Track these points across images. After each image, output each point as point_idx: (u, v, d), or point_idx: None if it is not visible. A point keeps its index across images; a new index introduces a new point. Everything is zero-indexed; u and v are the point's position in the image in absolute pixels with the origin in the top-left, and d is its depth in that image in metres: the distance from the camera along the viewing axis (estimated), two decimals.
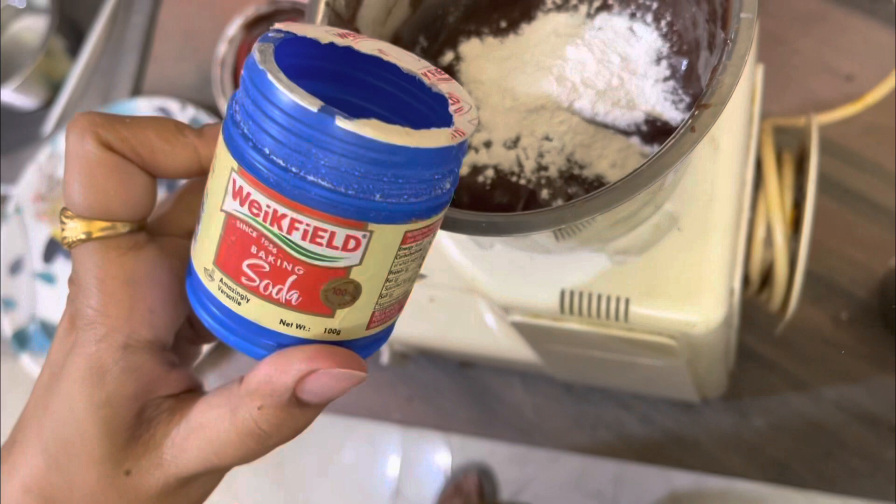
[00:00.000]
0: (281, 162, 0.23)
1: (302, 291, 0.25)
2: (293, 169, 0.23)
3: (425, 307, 0.68)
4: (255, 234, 0.24)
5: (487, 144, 0.40)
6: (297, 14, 0.86)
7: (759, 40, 0.76)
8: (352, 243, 0.24)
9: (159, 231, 0.30)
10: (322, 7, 0.35)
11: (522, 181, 0.39)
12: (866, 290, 0.69)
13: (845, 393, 0.68)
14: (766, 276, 0.52)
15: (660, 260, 0.42)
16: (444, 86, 0.27)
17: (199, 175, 0.28)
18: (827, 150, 0.72)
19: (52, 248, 0.91)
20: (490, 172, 0.39)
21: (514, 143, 0.39)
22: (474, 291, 0.46)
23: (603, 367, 0.59)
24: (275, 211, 0.24)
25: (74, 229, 0.26)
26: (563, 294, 0.43)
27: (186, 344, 0.32)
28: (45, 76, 1.00)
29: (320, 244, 0.24)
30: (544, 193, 0.38)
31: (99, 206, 0.26)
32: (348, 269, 0.25)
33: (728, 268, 0.42)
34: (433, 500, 1.62)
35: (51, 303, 0.90)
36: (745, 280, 0.52)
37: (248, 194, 0.24)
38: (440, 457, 1.64)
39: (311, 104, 0.23)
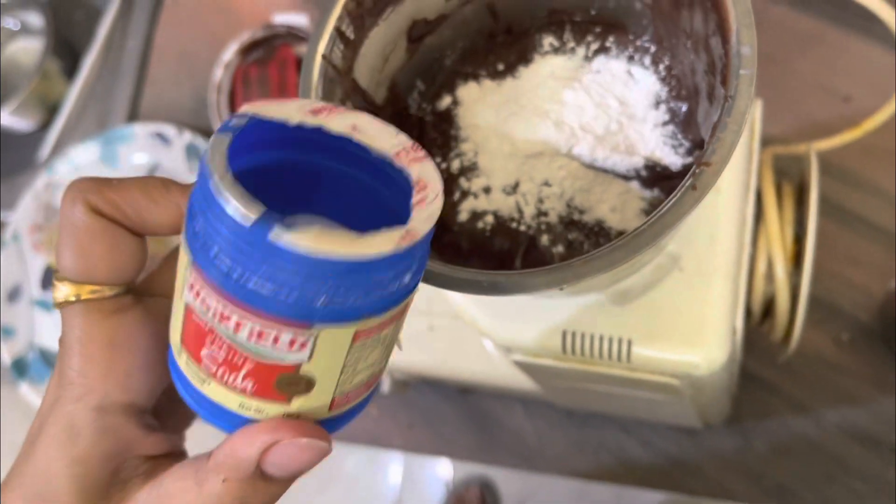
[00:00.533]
0: (224, 266, 0.23)
1: (256, 381, 0.25)
2: (234, 275, 0.23)
3: (425, 336, 0.68)
4: (207, 328, 0.24)
5: (487, 190, 0.39)
6: (293, 38, 0.86)
7: (758, 61, 0.76)
8: (297, 345, 0.24)
9: (149, 291, 0.30)
10: (318, 60, 0.34)
11: (522, 227, 0.39)
12: (867, 311, 0.69)
13: (847, 415, 0.67)
14: (768, 307, 0.52)
15: (661, 301, 0.42)
16: (416, 167, 0.26)
17: None
18: (826, 171, 0.72)
19: (51, 276, 0.90)
20: (489, 218, 0.39)
21: (514, 188, 0.39)
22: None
23: (605, 398, 0.59)
24: (221, 312, 0.23)
25: (64, 292, 0.27)
26: (564, 335, 0.43)
27: (180, 406, 0.32)
28: (41, 98, 1.00)
29: (265, 345, 0.24)
30: (544, 239, 0.38)
31: (86, 272, 0.27)
32: (297, 365, 0.24)
33: (730, 307, 0.42)
34: None
35: (49, 330, 0.90)
36: (747, 312, 0.52)
37: (199, 291, 0.24)
38: (442, 469, 1.63)
39: (250, 212, 0.22)
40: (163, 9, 0.97)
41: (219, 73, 0.86)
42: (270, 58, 0.86)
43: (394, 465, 1.66)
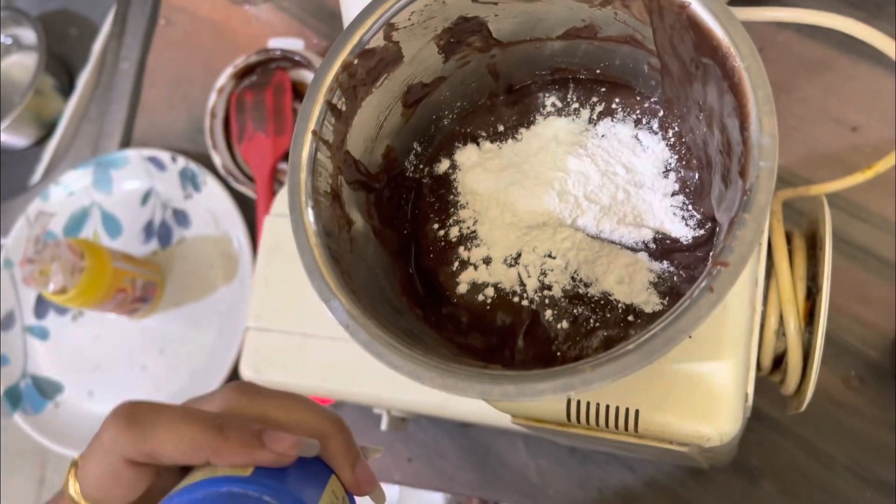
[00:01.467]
0: None
1: None
2: None
3: None
4: None
5: (487, 261, 0.38)
6: (288, 62, 0.84)
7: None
8: None
9: None
10: (308, 137, 0.33)
11: (525, 301, 0.37)
12: (878, 350, 0.67)
13: (858, 457, 0.66)
14: (778, 359, 0.50)
15: (671, 370, 0.40)
16: None
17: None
18: (833, 202, 0.70)
19: (43, 303, 0.89)
20: (490, 291, 0.37)
21: (515, 259, 0.37)
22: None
23: (609, 446, 0.57)
24: None
25: (76, 494, 0.31)
26: (569, 403, 0.41)
27: None
28: (35, 115, 0.98)
29: None
30: (548, 315, 0.37)
31: (101, 500, 0.30)
32: None
33: (743, 377, 0.40)
34: None
35: (42, 358, 0.88)
36: (757, 365, 0.50)
37: None
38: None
39: None
40: (156, 31, 0.95)
41: (213, 98, 0.84)
42: (266, 82, 0.84)
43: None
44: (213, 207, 0.84)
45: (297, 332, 0.70)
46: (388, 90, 0.36)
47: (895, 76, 0.71)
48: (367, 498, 0.37)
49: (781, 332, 0.48)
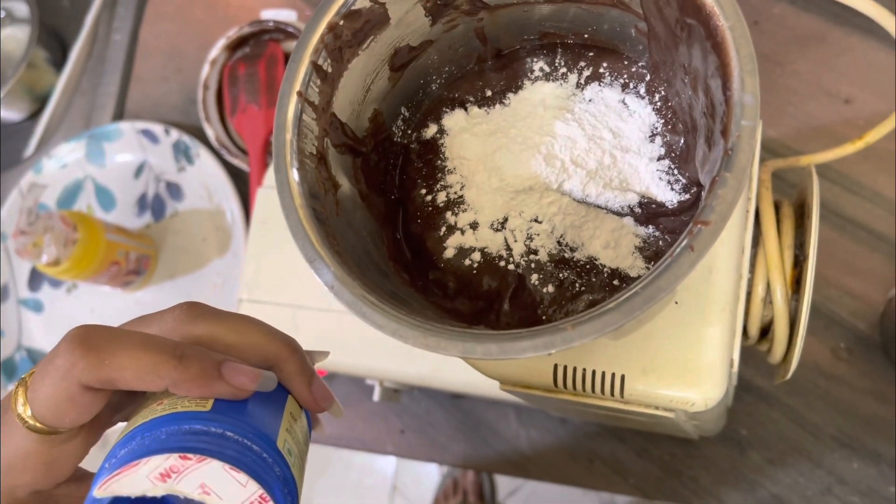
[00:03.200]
0: None
1: None
2: None
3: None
4: None
5: (474, 226, 0.38)
6: (281, 34, 0.83)
7: (757, 62, 0.74)
8: None
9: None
10: (294, 99, 0.33)
11: (511, 266, 0.37)
12: (866, 322, 0.67)
13: (845, 427, 0.66)
14: (766, 328, 0.51)
15: (657, 335, 0.41)
16: None
17: None
18: (824, 175, 0.70)
19: (38, 276, 0.89)
20: (476, 255, 0.38)
21: (502, 224, 0.38)
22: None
23: (598, 416, 0.58)
24: None
25: (26, 417, 0.30)
26: (556, 368, 0.42)
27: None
28: (28, 88, 0.98)
29: None
30: (534, 279, 0.37)
31: (53, 421, 0.30)
32: None
33: (728, 341, 0.41)
34: (431, 497, 1.61)
35: (38, 330, 0.88)
36: (744, 333, 0.51)
37: None
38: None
39: None
40: (148, 2, 0.95)
41: (206, 70, 0.84)
42: (259, 54, 0.84)
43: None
44: (206, 180, 0.84)
45: (289, 303, 0.70)
46: (374, 53, 0.36)
47: (894, 51, 0.71)
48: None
49: (768, 300, 0.48)
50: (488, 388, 0.67)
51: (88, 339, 0.29)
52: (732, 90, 0.28)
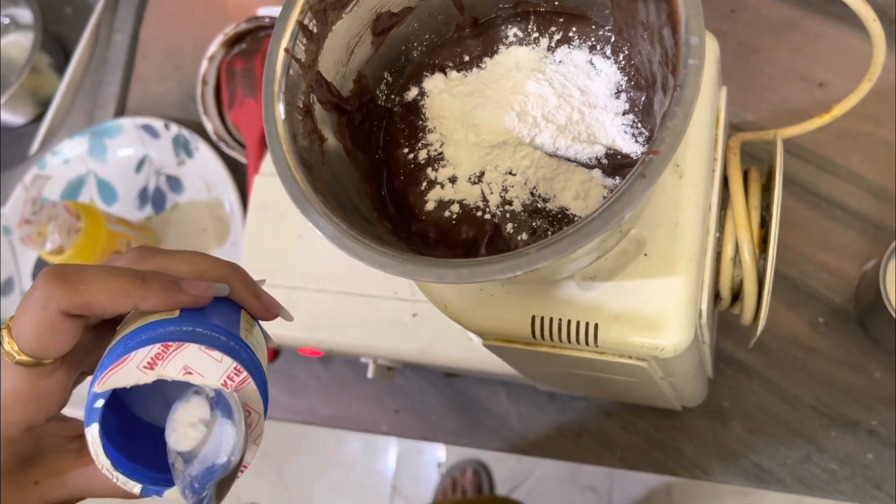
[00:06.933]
0: None
1: None
2: None
3: (408, 323, 0.69)
4: None
5: (453, 180, 0.40)
6: None
7: (733, 50, 0.77)
8: None
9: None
10: (281, 55, 0.35)
11: (487, 216, 0.40)
12: (842, 295, 0.70)
13: (823, 397, 0.69)
14: (738, 292, 0.53)
15: (627, 286, 0.43)
16: (241, 391, 0.32)
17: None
18: (800, 156, 0.73)
19: (42, 267, 0.91)
20: (455, 207, 0.40)
21: (479, 178, 0.40)
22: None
23: (583, 382, 0.60)
24: None
25: (11, 352, 0.33)
26: (533, 320, 0.44)
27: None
28: (31, 93, 1.01)
29: None
30: (509, 227, 0.39)
31: (37, 352, 0.33)
32: None
33: (695, 292, 0.43)
34: (431, 497, 1.63)
35: None
36: (717, 296, 0.53)
37: None
38: (437, 453, 1.65)
39: (133, 488, 0.32)
40: (148, 3, 0.98)
41: (204, 66, 0.87)
42: (255, 50, 0.86)
43: (389, 450, 1.68)
44: (205, 173, 0.87)
45: (285, 285, 0.73)
46: (357, 17, 0.39)
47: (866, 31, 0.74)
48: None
49: (738, 260, 0.50)
50: (478, 362, 0.69)
51: (61, 271, 0.32)
52: (681, 34, 0.31)
